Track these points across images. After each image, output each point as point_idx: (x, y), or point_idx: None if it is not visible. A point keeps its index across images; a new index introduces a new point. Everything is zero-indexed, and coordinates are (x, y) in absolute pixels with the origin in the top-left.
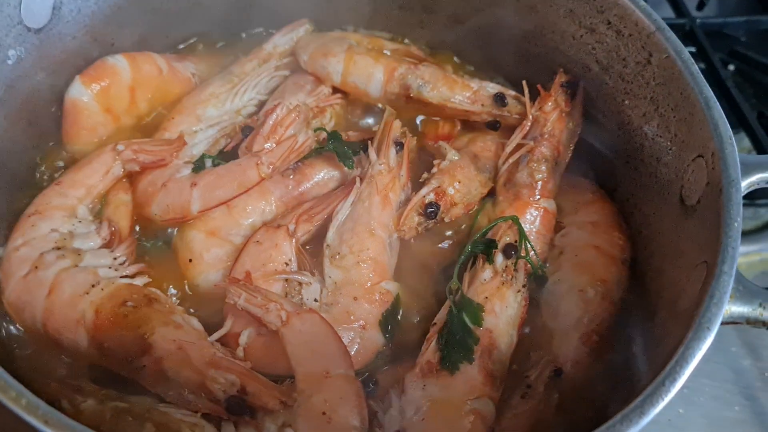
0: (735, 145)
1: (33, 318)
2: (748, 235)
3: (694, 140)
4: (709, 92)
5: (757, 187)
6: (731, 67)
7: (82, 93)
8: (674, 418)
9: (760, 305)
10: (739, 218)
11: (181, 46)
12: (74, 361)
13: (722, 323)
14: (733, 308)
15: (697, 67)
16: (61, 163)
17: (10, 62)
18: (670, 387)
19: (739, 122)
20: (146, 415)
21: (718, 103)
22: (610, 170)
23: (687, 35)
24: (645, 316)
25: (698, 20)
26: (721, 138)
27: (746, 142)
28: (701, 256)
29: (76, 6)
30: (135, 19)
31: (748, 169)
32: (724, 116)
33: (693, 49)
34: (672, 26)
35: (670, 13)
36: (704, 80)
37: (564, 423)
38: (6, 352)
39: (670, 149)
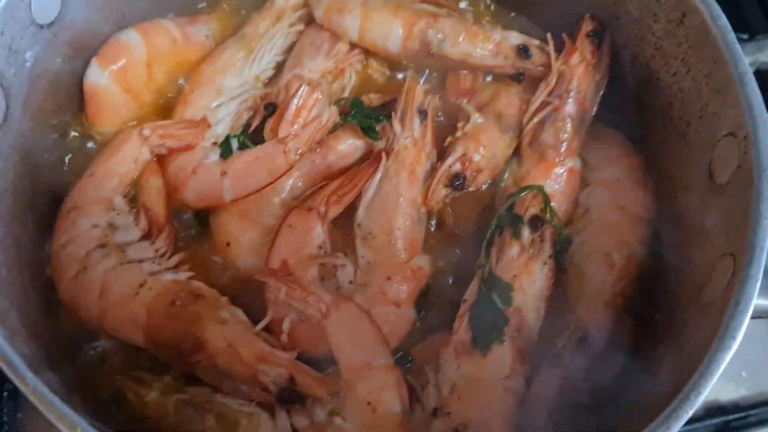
0: None
1: (89, 316)
2: None
3: (726, 116)
4: (745, 67)
5: None
6: None
7: (99, 76)
8: None
9: None
10: None
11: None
12: (133, 354)
13: None
14: (758, 303)
15: (734, 36)
16: (90, 144)
17: (28, 64)
18: (695, 400)
19: None
20: (206, 406)
21: (754, 81)
22: (638, 122)
23: None
24: (669, 300)
25: None
26: (755, 120)
27: None
28: (728, 245)
29: None
30: None
31: None
32: (760, 95)
33: None
34: None
35: None
36: (741, 53)
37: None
38: (69, 349)
39: (701, 117)
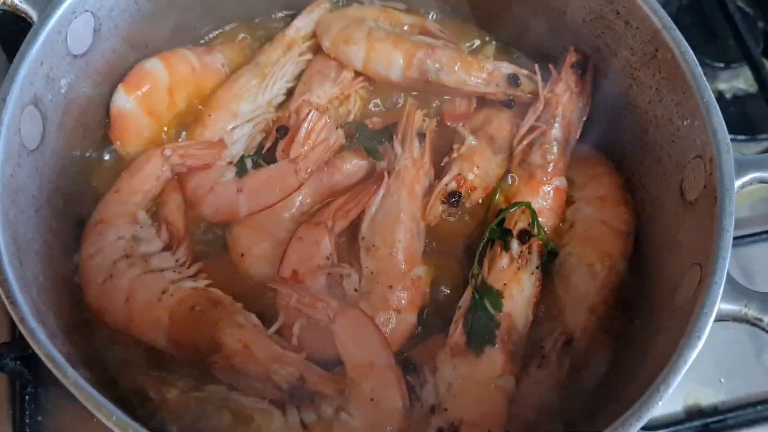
0: (731, 152)
1: (115, 321)
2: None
3: (694, 140)
4: (711, 97)
5: (750, 186)
6: None
7: (125, 101)
8: None
9: (746, 306)
10: (731, 228)
11: (209, 37)
12: (154, 355)
13: None
14: (722, 307)
15: (700, 70)
16: (113, 162)
17: (63, 90)
18: (664, 392)
19: (744, 56)
20: (223, 403)
21: (718, 109)
22: (618, 144)
23: None
24: (645, 305)
25: None
26: (719, 145)
27: (749, 74)
28: (696, 255)
29: (113, 23)
30: (165, 20)
31: (742, 168)
32: (724, 123)
33: None
34: None
35: None
36: (706, 84)
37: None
38: (96, 353)
39: (673, 141)
